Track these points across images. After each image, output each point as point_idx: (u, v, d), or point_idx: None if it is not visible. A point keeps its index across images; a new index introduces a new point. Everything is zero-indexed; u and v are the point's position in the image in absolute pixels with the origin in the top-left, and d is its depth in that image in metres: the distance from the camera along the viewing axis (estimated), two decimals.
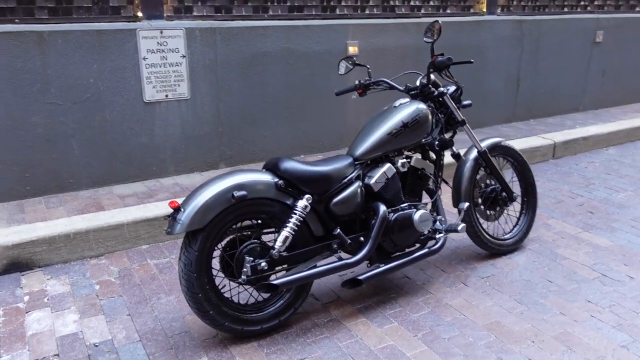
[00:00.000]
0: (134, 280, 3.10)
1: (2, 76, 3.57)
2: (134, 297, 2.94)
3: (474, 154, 3.25)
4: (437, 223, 3.00)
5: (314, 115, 4.80)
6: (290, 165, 2.57)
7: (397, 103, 3.01)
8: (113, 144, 4.01)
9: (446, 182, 3.24)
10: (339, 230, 2.67)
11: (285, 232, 2.51)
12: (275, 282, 2.46)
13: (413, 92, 3.11)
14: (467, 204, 3.05)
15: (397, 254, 2.93)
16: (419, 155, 3.02)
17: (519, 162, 3.49)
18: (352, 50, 4.83)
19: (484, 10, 5.75)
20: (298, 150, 4.81)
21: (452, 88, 3.15)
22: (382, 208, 2.77)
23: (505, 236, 3.46)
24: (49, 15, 3.75)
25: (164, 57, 4.03)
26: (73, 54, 3.74)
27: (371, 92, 3.22)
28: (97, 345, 2.52)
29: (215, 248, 2.50)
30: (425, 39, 3.01)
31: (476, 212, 3.34)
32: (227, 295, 2.59)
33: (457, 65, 3.05)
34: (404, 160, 2.92)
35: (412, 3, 5.28)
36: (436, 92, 3.06)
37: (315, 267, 2.62)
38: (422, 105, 2.96)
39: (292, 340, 2.57)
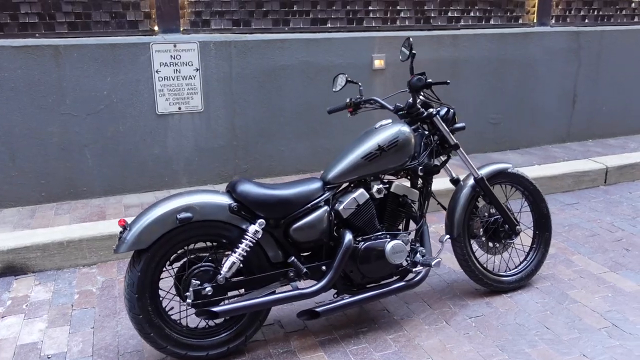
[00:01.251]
0: (113, 292, 3.12)
1: (20, 88, 3.77)
2: (106, 309, 2.95)
3: (471, 180, 2.98)
4: (418, 255, 2.76)
5: (336, 131, 4.66)
6: (245, 187, 2.46)
7: (378, 124, 2.81)
8: (126, 154, 4.11)
9: (444, 208, 3.00)
10: (293, 258, 2.51)
11: (233, 258, 2.40)
12: (214, 309, 2.36)
13: (401, 112, 2.90)
14: (447, 236, 2.78)
15: (371, 285, 2.73)
16: (400, 181, 2.81)
17: (530, 192, 3.15)
18: (378, 64, 4.64)
19: (534, 20, 5.32)
20: (318, 167, 4.68)
21: (444, 110, 2.91)
22: (348, 236, 2.59)
23: (508, 272, 3.13)
24: (68, 29, 3.92)
25: (177, 70, 4.08)
26: (88, 67, 3.88)
27: (362, 111, 3.05)
28: (49, 358, 2.54)
29: (164, 269, 2.45)
30: (400, 57, 2.81)
31: (477, 244, 3.06)
32: (175, 317, 2.52)
33: (437, 85, 2.83)
34: (380, 186, 2.71)
35: (449, 14, 4.99)
36: (425, 113, 2.83)
37: (267, 295, 2.49)
38: (404, 128, 2.75)
39: None
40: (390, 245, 2.64)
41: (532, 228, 3.22)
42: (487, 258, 3.13)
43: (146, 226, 2.33)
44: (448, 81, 2.84)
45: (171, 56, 4.04)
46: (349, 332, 2.73)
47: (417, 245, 2.80)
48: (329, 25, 4.59)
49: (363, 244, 2.64)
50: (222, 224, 2.44)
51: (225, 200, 2.45)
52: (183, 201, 2.39)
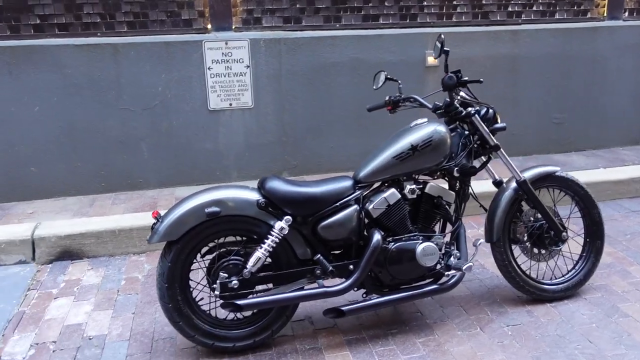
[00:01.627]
0: None
1: (83, 84, 4.00)
2: (148, 296, 3.08)
3: (513, 183, 2.85)
4: (452, 258, 2.68)
5: (388, 128, 4.56)
6: (272, 184, 2.49)
7: (413, 123, 2.76)
8: (179, 148, 4.26)
9: (486, 210, 2.90)
10: (319, 255, 2.52)
11: (258, 253, 2.44)
12: (239, 302, 2.40)
13: (439, 111, 2.82)
14: (481, 240, 2.68)
15: (402, 287, 2.69)
16: (437, 182, 2.73)
17: (581, 197, 2.97)
18: (432, 61, 4.53)
19: (604, 14, 4.99)
20: None
21: (484, 109, 2.80)
22: (376, 236, 2.55)
23: (553, 281, 2.98)
24: (127, 28, 4.11)
25: (228, 67, 4.18)
26: (144, 64, 4.05)
27: (402, 109, 2.99)
28: (90, 339, 2.69)
29: (195, 261, 2.53)
30: (433, 54, 2.73)
31: (521, 249, 2.94)
32: (205, 308, 2.59)
33: (472, 84, 2.72)
34: (414, 186, 2.65)
35: (510, 9, 4.79)
36: (463, 113, 2.74)
37: (293, 291, 2.51)
38: (440, 127, 2.67)
39: None
40: (421, 247, 2.58)
41: (582, 235, 3.04)
42: (530, 264, 2.98)
43: (176, 219, 2.41)
44: (481, 79, 2.74)
45: (222, 53, 4.14)
46: (378, 333, 2.70)
47: (452, 248, 2.72)
48: (381, 21, 4.53)
49: (393, 245, 2.59)
50: (251, 219, 2.48)
51: (254, 196, 2.48)
52: (213, 196, 2.45)
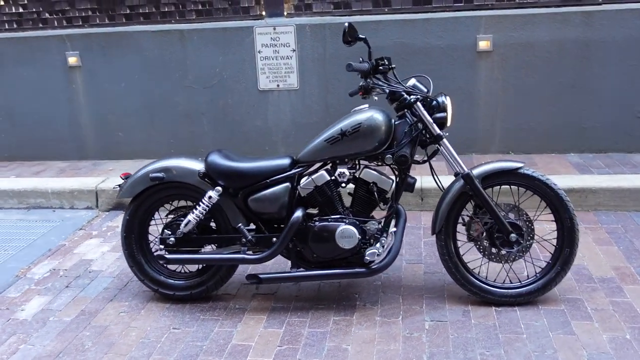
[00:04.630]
0: None
1: (157, 64, 4.71)
2: None
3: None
4: (377, 244, 2.70)
5: None
6: (211, 157, 2.81)
7: (357, 108, 2.82)
8: (233, 124, 4.76)
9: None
10: (240, 225, 2.77)
11: (190, 217, 2.80)
12: (167, 255, 2.81)
13: (387, 99, 2.82)
14: (394, 229, 2.65)
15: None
16: (381, 169, 2.77)
17: (550, 198, 2.71)
18: (484, 45, 4.29)
19: None
20: None
21: (441, 97, 2.72)
22: (297, 213, 2.72)
23: (505, 284, 2.79)
24: (196, 16, 4.69)
25: (276, 51, 4.51)
26: (205, 48, 4.60)
27: (375, 95, 3.03)
28: (90, 272, 3.35)
29: (153, 218, 2.98)
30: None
31: (477, 248, 2.81)
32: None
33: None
34: (344, 170, 2.73)
35: None
36: (407, 100, 2.71)
37: (215, 253, 2.83)
38: (376, 115, 2.69)
39: (186, 311, 2.86)
40: (340, 229, 2.68)
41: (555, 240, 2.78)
42: (481, 263, 2.83)
43: (132, 181, 2.89)
44: (394, 66, 2.70)
45: (271, 38, 4.49)
46: (305, 305, 2.87)
47: (384, 235, 2.74)
48: (433, 5, 4.41)
49: (318, 224, 2.73)
50: (193, 186, 2.84)
51: (199, 166, 2.83)
52: (163, 164, 2.87)
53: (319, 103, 4.62)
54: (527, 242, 2.76)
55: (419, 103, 2.69)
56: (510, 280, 2.83)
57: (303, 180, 2.75)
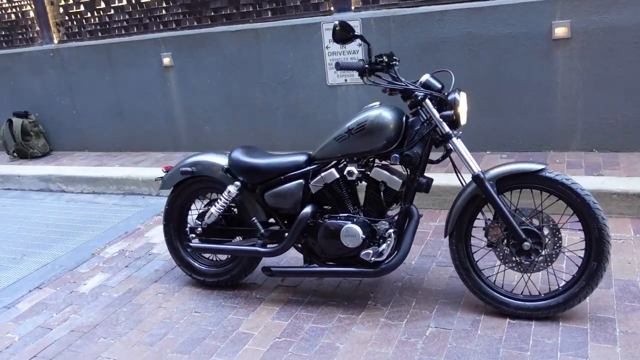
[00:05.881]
0: None
1: (235, 62, 5.00)
2: None
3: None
4: (383, 245, 2.65)
5: (505, 108, 4.20)
6: (234, 153, 2.97)
7: (369, 105, 2.79)
8: (304, 118, 4.89)
9: None
10: (254, 218, 2.89)
11: (212, 209, 2.99)
12: (191, 243, 3.04)
13: (401, 95, 2.74)
14: (391, 230, 2.56)
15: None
16: (395, 168, 2.72)
17: (577, 205, 2.45)
18: (562, 31, 3.89)
19: None
20: (484, 147, 4.36)
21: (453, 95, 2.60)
22: (306, 210, 2.78)
23: (522, 296, 2.58)
24: (271, 15, 4.88)
25: (343, 46, 4.53)
26: (277, 45, 4.78)
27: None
28: (149, 255, 3.72)
29: (190, 208, 3.24)
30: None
31: (496, 254, 2.65)
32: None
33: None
34: (352, 168, 2.72)
35: None
36: (419, 97, 2.62)
37: (233, 244, 3.00)
38: (384, 113, 2.66)
39: (212, 297, 3.08)
40: (345, 227, 2.68)
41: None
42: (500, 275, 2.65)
43: (170, 174, 3.17)
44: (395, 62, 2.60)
45: None
46: (318, 300, 2.93)
47: (391, 237, 2.68)
48: None
49: (326, 221, 2.76)
50: (218, 180, 3.04)
51: (224, 162, 3.02)
52: (195, 159, 3.10)
53: (386, 98, 4.54)
54: (552, 252, 2.52)
55: (427, 100, 2.60)
56: (529, 292, 2.61)
57: (315, 178, 2.79)
